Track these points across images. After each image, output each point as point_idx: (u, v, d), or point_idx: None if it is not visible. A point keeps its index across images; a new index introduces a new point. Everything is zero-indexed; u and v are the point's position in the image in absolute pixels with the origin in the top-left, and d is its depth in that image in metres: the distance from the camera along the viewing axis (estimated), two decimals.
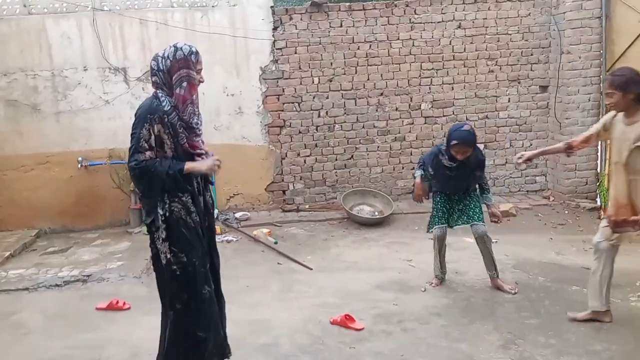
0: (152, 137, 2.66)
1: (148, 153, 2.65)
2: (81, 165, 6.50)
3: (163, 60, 2.72)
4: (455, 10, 6.90)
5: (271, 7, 6.73)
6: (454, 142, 3.91)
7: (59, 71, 6.48)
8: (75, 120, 6.56)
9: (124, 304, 4.22)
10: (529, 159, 3.72)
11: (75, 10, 6.43)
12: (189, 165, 2.72)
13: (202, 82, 2.83)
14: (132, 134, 2.67)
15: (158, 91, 2.73)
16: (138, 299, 4.35)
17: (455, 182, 4.17)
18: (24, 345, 3.64)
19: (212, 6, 6.65)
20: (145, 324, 3.89)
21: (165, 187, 2.69)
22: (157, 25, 6.53)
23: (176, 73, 2.70)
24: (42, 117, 6.49)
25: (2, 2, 6.37)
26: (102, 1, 6.50)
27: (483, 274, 4.33)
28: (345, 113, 6.95)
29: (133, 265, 5.15)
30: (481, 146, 6.91)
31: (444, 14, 6.90)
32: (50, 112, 6.50)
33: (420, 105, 7.04)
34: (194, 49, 2.77)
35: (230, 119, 6.80)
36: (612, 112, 3.41)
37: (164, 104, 2.69)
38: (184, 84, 2.70)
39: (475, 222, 4.17)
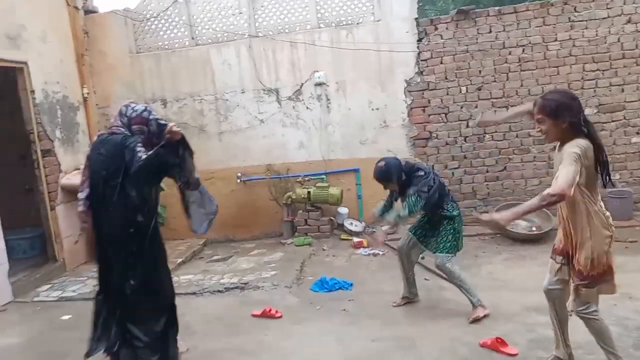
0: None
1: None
2: (240, 180, 7.06)
3: (129, 111, 3.32)
4: (624, 4, 6.19)
5: (415, 18, 6.67)
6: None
7: (220, 95, 7.13)
8: (235, 139, 7.15)
9: (277, 312, 4.44)
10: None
11: (234, 38, 7.04)
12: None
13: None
14: (130, 148, 3.16)
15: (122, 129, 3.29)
16: (289, 308, 4.56)
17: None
18: (189, 344, 4.00)
19: (357, 23, 6.80)
20: (296, 333, 4.07)
21: None
22: (305, 46, 6.86)
23: (136, 125, 3.29)
24: (207, 137, 7.19)
25: (174, 36, 7.23)
26: (257, 28, 7.02)
27: None
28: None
29: (285, 275, 5.41)
30: None
31: (609, 9, 6.23)
32: (214, 132, 7.18)
33: (584, 111, 6.39)
34: (157, 116, 3.38)
35: (375, 133, 6.86)
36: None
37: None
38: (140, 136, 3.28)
39: (441, 253, 4.15)
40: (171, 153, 3.18)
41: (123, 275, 3.37)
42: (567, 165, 2.61)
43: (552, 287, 3.04)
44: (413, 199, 3.99)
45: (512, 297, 4.34)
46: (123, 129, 3.27)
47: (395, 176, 4.11)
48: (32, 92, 5.98)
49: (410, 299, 4.44)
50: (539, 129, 2.88)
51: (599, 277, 2.80)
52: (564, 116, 2.76)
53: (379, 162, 4.22)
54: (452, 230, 4.16)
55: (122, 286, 3.38)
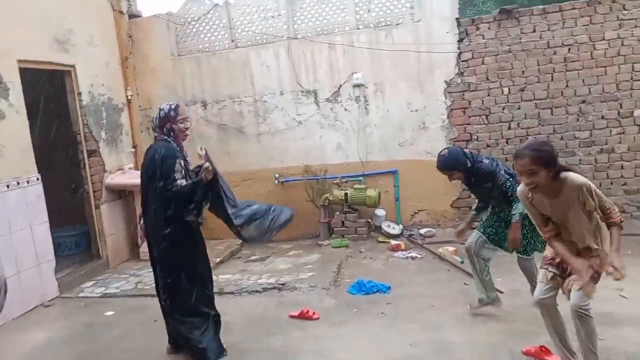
0: (182, 169, 3.51)
1: (180, 181, 3.45)
2: (277, 182, 7.10)
3: (155, 120, 3.65)
4: None
5: (456, 18, 6.57)
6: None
7: (259, 97, 7.19)
8: (273, 141, 7.20)
9: (314, 313, 4.43)
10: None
11: (273, 41, 7.09)
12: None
13: (187, 127, 3.65)
14: (166, 166, 3.44)
15: (162, 136, 3.60)
16: (326, 310, 4.54)
17: (480, 198, 4.25)
18: (228, 343, 4.03)
19: (396, 24, 6.74)
20: (333, 335, 4.05)
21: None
22: (344, 48, 6.85)
23: (165, 127, 3.59)
24: (246, 139, 7.27)
25: (214, 39, 7.33)
26: (296, 30, 7.05)
27: None
28: (539, 124, 6.41)
29: (322, 277, 5.40)
30: None
31: None
32: (253, 133, 7.24)
33: (633, 112, 6.17)
34: (172, 106, 3.62)
35: (414, 135, 6.79)
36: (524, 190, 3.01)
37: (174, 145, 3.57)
38: (171, 133, 3.59)
39: (519, 255, 4.08)
40: (201, 190, 3.46)
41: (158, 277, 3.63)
42: (602, 197, 2.92)
43: (544, 296, 3.07)
44: (513, 185, 3.79)
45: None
46: (162, 135, 3.62)
47: (460, 162, 3.91)
48: (79, 94, 6.18)
49: (487, 302, 4.17)
50: (529, 182, 2.85)
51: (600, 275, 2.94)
52: (554, 165, 2.83)
53: (441, 152, 4.07)
54: (528, 228, 3.90)
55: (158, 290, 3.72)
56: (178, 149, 3.57)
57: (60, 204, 6.36)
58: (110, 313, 4.95)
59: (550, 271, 3.07)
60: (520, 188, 3.06)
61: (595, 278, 2.94)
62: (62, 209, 6.38)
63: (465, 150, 4.13)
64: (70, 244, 6.61)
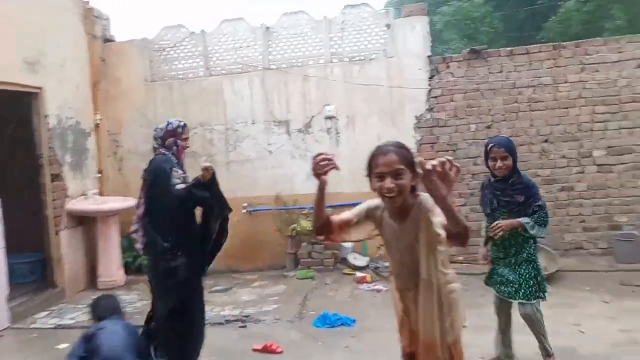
0: (181, 177, 3.61)
1: (178, 186, 3.56)
2: (246, 211, 7.03)
3: (159, 130, 3.73)
4: (636, 49, 6.22)
5: (428, 56, 6.74)
6: (491, 145, 3.61)
7: (231, 125, 7.18)
8: (242, 169, 7.15)
9: (278, 347, 4.34)
10: None
11: (247, 70, 7.13)
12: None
13: (188, 147, 3.79)
14: (166, 174, 3.56)
15: (161, 149, 3.69)
16: (291, 344, 4.46)
17: (503, 208, 3.58)
18: None
19: (370, 59, 6.87)
20: None
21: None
22: (317, 80, 6.93)
23: (167, 140, 3.68)
24: (215, 166, 7.05)
25: (188, 66, 7.33)
26: (271, 61, 7.11)
27: None
28: None
29: (287, 309, 5.32)
30: None
31: (620, 52, 6.27)
32: (222, 161, 7.18)
33: (592, 153, 6.38)
34: (181, 123, 3.75)
35: None
36: (377, 202, 2.30)
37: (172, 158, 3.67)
38: (173, 147, 3.69)
39: (520, 301, 3.55)
40: (201, 188, 3.54)
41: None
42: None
43: None
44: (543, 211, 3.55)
45: (518, 338, 4.19)
46: (162, 150, 3.70)
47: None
48: (46, 116, 6.05)
49: None
50: (392, 186, 2.13)
51: None
52: (416, 172, 2.11)
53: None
54: (534, 267, 3.56)
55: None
56: (176, 162, 3.70)
57: (19, 229, 6.13)
58: (63, 346, 4.72)
59: None
60: (370, 203, 2.38)
61: None
62: (17, 233, 6.14)
63: None
64: (25, 271, 6.32)
